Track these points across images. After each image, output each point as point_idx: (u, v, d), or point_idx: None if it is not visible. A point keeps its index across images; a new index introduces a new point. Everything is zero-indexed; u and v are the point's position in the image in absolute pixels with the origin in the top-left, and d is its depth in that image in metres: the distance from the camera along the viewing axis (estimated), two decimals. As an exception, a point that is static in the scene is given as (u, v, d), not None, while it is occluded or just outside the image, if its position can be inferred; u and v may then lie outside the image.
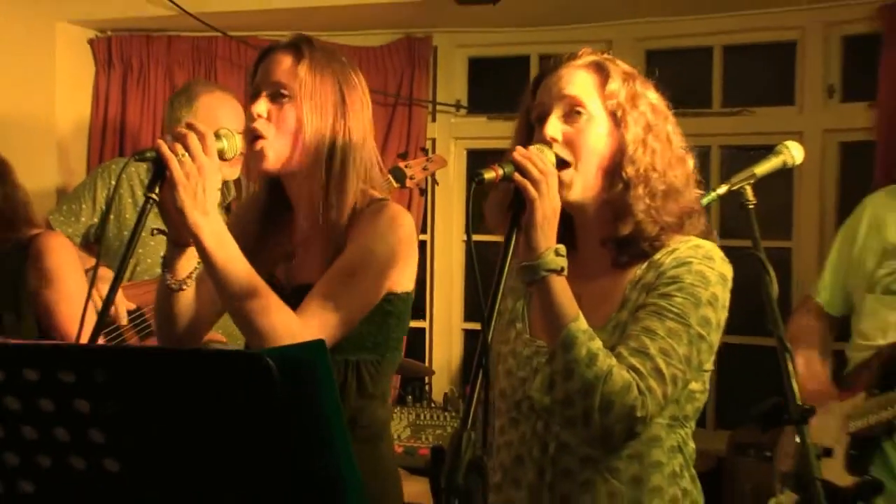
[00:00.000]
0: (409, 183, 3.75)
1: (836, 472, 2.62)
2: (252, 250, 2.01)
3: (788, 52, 4.04)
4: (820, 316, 2.96)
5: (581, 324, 1.80)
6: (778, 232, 4.00)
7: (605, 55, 2.02)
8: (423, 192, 4.20)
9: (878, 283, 2.74)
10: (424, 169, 3.83)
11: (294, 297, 2.00)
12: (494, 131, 4.26)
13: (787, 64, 4.05)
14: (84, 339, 1.90)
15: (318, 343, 1.33)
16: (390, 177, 3.67)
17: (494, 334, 2.13)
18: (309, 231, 2.16)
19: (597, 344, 1.80)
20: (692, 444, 1.97)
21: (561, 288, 1.81)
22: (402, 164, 3.77)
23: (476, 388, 1.51)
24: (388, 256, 2.06)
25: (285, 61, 2.10)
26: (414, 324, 4.40)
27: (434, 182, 4.20)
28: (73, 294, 2.89)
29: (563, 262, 1.80)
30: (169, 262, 2.04)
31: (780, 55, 4.07)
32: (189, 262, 2.05)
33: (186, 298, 2.08)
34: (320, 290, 2.02)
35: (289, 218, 2.22)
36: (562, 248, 1.81)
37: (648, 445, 1.89)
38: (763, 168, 2.10)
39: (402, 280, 2.12)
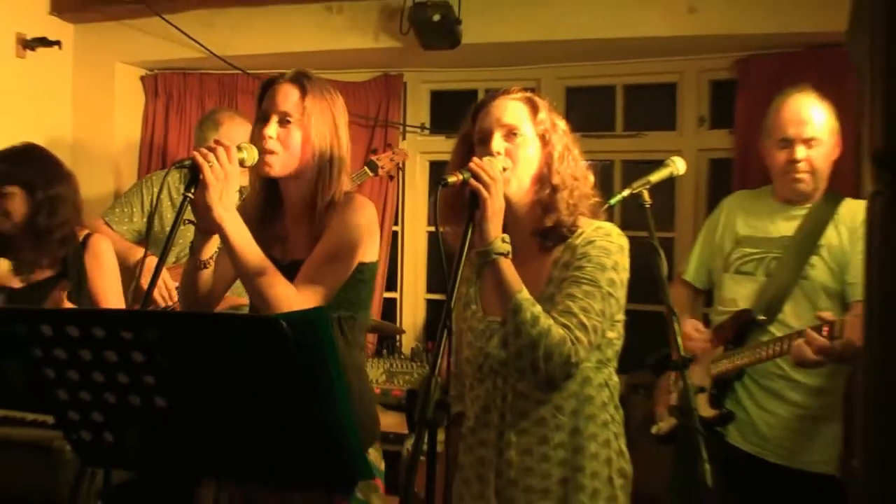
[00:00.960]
0: (380, 172, 3.76)
1: (702, 406, 2.65)
2: (254, 236, 1.99)
3: (671, 91, 4.07)
4: (688, 288, 2.99)
5: (525, 293, 1.81)
6: (664, 225, 4.02)
7: (531, 93, 2.03)
8: (391, 177, 4.16)
9: (731, 264, 2.76)
10: (391, 160, 3.86)
11: (289, 270, 2.00)
12: (451, 147, 4.20)
13: (670, 99, 4.08)
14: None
15: (320, 310, 1.32)
16: (366, 168, 3.67)
17: (455, 315, 2.14)
18: (299, 220, 2.14)
19: (538, 308, 1.80)
20: (615, 379, 1.99)
21: (508, 267, 1.81)
22: (374, 158, 3.78)
23: (441, 343, 1.50)
24: (357, 238, 2.06)
25: (292, 94, 2.08)
26: (388, 294, 4.39)
27: (401, 169, 4.22)
28: (114, 286, 2.89)
29: (508, 247, 1.81)
30: (196, 246, 2.03)
31: (665, 93, 4.10)
32: (211, 247, 2.04)
33: (207, 275, 2.07)
34: (308, 269, 2.01)
35: (281, 211, 2.19)
36: (507, 236, 1.81)
37: (582, 385, 1.91)
38: (656, 177, 2.11)
39: (369, 253, 2.10)
